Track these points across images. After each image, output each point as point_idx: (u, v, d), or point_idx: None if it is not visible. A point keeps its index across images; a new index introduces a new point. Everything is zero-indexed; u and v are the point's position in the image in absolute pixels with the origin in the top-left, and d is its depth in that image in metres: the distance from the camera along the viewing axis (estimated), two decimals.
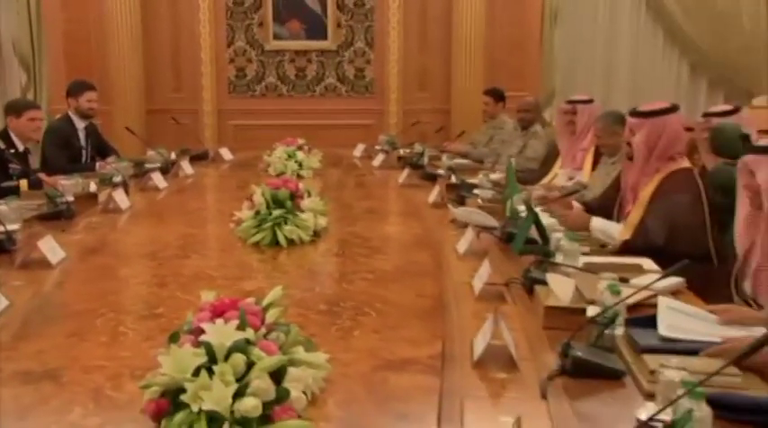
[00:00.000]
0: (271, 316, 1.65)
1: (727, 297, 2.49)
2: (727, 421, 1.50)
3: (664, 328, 1.92)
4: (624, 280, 2.21)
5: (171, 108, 7.36)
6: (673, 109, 3.24)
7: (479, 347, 1.86)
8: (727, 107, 4.33)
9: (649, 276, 2.32)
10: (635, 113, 3.28)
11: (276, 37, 7.52)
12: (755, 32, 7.15)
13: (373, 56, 7.58)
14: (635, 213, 3.19)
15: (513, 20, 7.44)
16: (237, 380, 1.42)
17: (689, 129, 3.81)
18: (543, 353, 1.90)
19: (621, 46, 7.52)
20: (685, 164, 3.23)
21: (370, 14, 7.53)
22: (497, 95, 6.26)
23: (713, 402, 1.40)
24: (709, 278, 2.70)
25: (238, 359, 1.44)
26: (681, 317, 2.00)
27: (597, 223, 3.29)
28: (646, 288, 2.08)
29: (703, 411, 1.35)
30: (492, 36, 7.37)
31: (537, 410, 1.59)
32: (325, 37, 7.51)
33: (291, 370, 1.52)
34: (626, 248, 3.01)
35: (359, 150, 6.21)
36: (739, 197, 2.58)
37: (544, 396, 1.65)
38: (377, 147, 6.07)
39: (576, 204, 3.65)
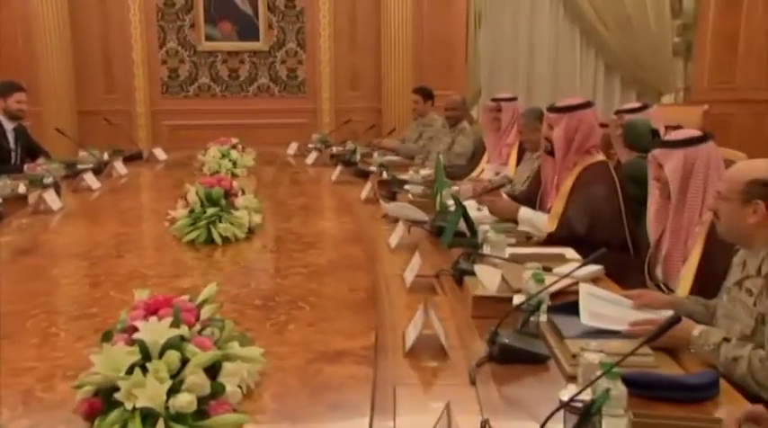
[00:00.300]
0: (205, 313, 1.62)
1: (641, 282, 2.56)
2: (642, 398, 1.56)
3: (586, 317, 1.96)
4: (547, 269, 2.27)
5: (103, 109, 7.13)
6: (587, 104, 3.32)
7: (411, 337, 1.87)
8: (637, 104, 4.47)
9: (571, 265, 2.37)
10: (552, 109, 3.33)
11: (208, 38, 7.38)
12: (661, 34, 7.39)
13: (305, 56, 7.51)
14: (557, 205, 3.24)
15: (440, 21, 7.48)
16: (172, 377, 1.40)
17: (603, 125, 3.92)
18: (472, 341, 1.92)
19: (542, 45, 7.63)
20: (601, 157, 3.30)
21: (300, 16, 7.46)
22: (426, 94, 6.29)
23: (629, 381, 1.47)
24: (626, 265, 2.77)
25: (172, 355, 1.42)
26: (600, 304, 2.05)
27: (525, 213, 3.32)
28: (567, 276, 2.13)
29: (619, 389, 1.41)
30: (419, 36, 7.39)
31: (466, 396, 1.61)
32: (257, 38, 7.40)
33: (226, 365, 1.49)
34: (550, 239, 3.07)
35: (292, 149, 6.14)
36: (650, 188, 2.67)
37: (473, 383, 1.67)
38: (310, 146, 6.00)
39: (504, 195, 3.72)
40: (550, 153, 3.32)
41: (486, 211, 3.46)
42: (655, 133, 3.64)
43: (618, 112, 4.38)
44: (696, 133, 2.54)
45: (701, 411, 1.55)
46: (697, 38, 7.33)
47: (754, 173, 1.95)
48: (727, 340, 1.83)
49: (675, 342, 1.83)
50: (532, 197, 3.53)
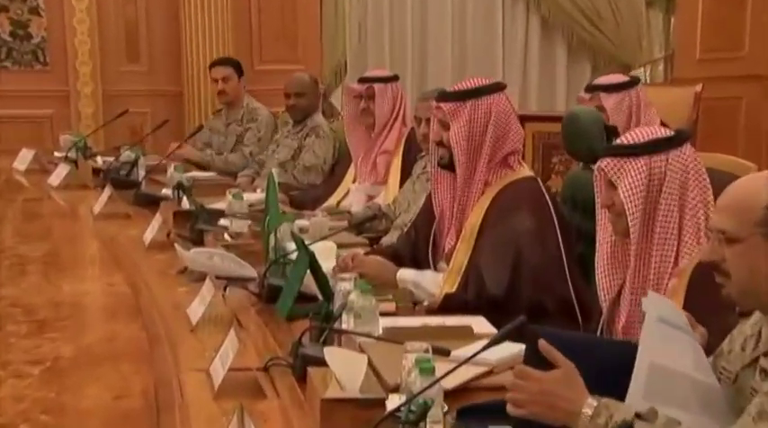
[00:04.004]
0: None
1: None
2: None
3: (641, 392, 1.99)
4: (442, 352, 2.29)
5: None
6: (498, 86, 3.38)
7: None
8: (622, 78, 4.62)
9: (482, 342, 2.40)
10: (445, 96, 3.36)
11: None
12: None
13: (43, 2, 7.30)
14: (460, 252, 3.29)
15: None
16: None
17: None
18: None
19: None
20: (525, 171, 3.37)
21: None
22: (237, 66, 6.30)
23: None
24: None
25: None
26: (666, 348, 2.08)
27: (406, 275, 3.36)
28: (468, 361, 2.14)
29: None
30: None
31: None
32: None
33: None
34: (450, 303, 3.13)
35: (24, 160, 6.01)
36: (599, 220, 2.75)
37: None
38: (57, 154, 5.96)
39: (359, 253, 3.69)
40: (447, 166, 3.36)
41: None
42: (611, 132, 3.76)
43: (590, 89, 4.54)
44: (662, 133, 2.62)
45: None
46: None
47: None
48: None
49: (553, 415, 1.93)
50: (421, 240, 3.55)
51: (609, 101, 4.44)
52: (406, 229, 3.89)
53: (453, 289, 3.20)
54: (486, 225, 3.26)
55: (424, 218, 3.60)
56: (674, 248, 2.56)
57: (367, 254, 3.60)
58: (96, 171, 5.58)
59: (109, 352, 2.71)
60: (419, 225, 3.63)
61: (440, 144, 3.35)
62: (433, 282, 3.30)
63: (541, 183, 3.37)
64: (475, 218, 3.29)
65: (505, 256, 3.16)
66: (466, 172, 3.31)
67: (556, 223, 3.22)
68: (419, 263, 3.48)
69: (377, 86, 4.95)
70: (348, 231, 4.03)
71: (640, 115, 4.46)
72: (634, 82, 4.63)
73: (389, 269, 3.40)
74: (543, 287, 3.13)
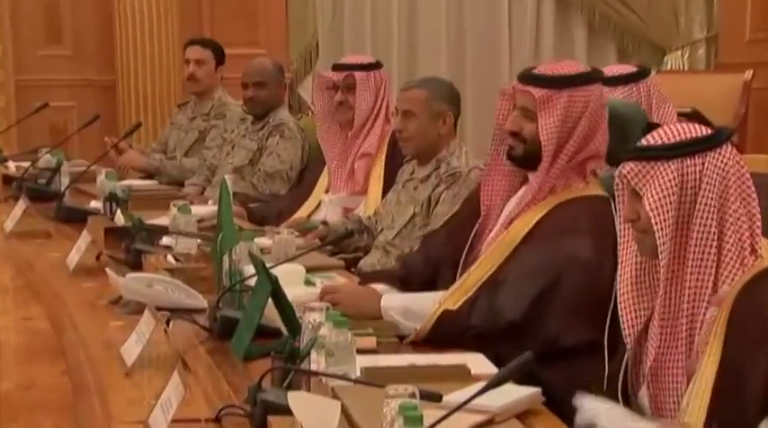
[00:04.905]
0: None
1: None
2: None
3: None
4: (431, 397, 2.31)
5: None
6: (597, 75, 3.43)
7: None
8: (630, 68, 4.65)
9: (478, 385, 2.43)
10: (536, 80, 3.38)
11: None
12: None
13: None
14: (485, 262, 3.33)
15: None
16: None
17: None
18: None
19: None
20: (597, 188, 3.39)
21: None
22: (217, 50, 6.31)
23: None
24: (585, 383, 2.88)
25: None
26: None
27: (392, 301, 3.38)
28: (463, 407, 2.19)
29: None
30: None
31: None
32: None
33: None
34: (446, 324, 3.17)
35: None
36: (621, 238, 2.77)
37: None
38: None
39: (340, 279, 3.73)
40: (518, 161, 3.40)
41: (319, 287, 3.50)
42: (652, 128, 3.76)
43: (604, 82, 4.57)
44: (697, 131, 2.65)
45: None
46: None
47: None
48: None
49: None
50: (452, 248, 3.55)
51: (614, 96, 4.40)
52: (424, 238, 3.94)
53: (455, 307, 3.21)
54: (532, 237, 3.30)
55: (464, 218, 3.64)
56: (713, 271, 2.57)
57: (363, 282, 3.61)
58: (8, 179, 5.64)
59: (24, 402, 2.70)
60: (455, 226, 3.68)
61: (514, 134, 3.39)
62: (425, 306, 3.30)
63: (614, 207, 3.28)
64: (523, 225, 3.33)
65: (539, 279, 3.19)
66: (547, 166, 3.34)
67: (617, 252, 3.10)
68: (439, 279, 3.51)
69: (357, 75, 4.97)
70: (319, 250, 4.04)
71: (652, 113, 4.48)
72: (645, 72, 4.65)
73: (369, 295, 3.43)
74: (570, 325, 3.17)
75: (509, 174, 3.47)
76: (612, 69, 4.69)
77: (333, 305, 3.30)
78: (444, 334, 3.12)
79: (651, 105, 4.52)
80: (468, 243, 3.50)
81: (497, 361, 2.81)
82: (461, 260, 3.49)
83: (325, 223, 4.72)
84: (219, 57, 6.31)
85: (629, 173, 2.62)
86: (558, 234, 3.26)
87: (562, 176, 3.36)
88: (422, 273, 3.58)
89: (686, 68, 7.64)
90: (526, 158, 3.37)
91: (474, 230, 3.51)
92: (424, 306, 3.29)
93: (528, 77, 3.40)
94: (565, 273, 3.19)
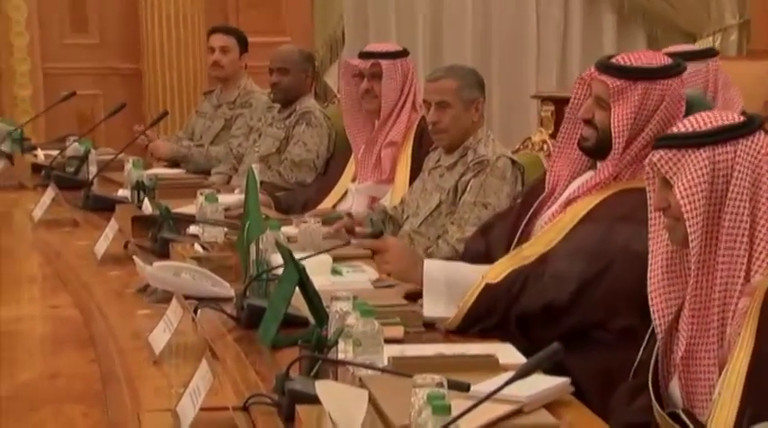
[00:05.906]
0: None
1: (642, 409, 2.65)
2: None
3: None
4: (459, 387, 2.30)
5: None
6: (678, 68, 3.37)
7: None
8: (691, 46, 4.57)
9: (507, 375, 2.42)
10: (611, 69, 3.36)
11: None
12: None
13: None
14: (540, 240, 3.35)
15: None
16: None
17: None
18: None
19: None
20: None
21: None
22: (241, 39, 6.30)
23: None
24: (615, 375, 2.86)
25: None
26: None
27: (439, 270, 3.38)
28: (491, 397, 2.18)
29: None
30: None
31: None
32: None
33: None
34: (486, 298, 3.17)
35: None
36: (652, 227, 2.75)
37: None
38: None
39: (393, 240, 3.74)
40: (590, 151, 3.42)
41: (356, 276, 3.50)
42: None
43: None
44: (729, 118, 2.64)
45: None
46: None
47: None
48: None
49: None
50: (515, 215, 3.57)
51: None
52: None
53: (497, 280, 3.21)
54: (588, 220, 3.31)
55: (511, 220, 3.68)
56: (745, 260, 2.56)
57: None
58: (36, 167, 5.62)
59: (51, 391, 2.70)
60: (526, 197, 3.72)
61: (588, 122, 3.39)
62: (471, 275, 3.30)
63: None
64: (581, 207, 3.35)
65: (590, 263, 3.21)
66: (618, 154, 3.34)
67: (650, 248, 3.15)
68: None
69: (383, 63, 4.95)
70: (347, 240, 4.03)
71: (717, 98, 4.43)
72: (711, 51, 4.60)
73: (415, 259, 3.46)
74: (612, 314, 3.19)
75: (577, 159, 3.48)
76: (677, 48, 4.63)
77: (382, 263, 3.34)
78: (485, 308, 3.11)
79: (717, 89, 4.48)
80: (525, 220, 3.55)
81: (531, 344, 2.78)
82: (516, 237, 3.54)
83: (349, 214, 4.68)
84: (243, 44, 6.31)
85: (659, 161, 2.61)
86: (613, 220, 3.26)
87: (630, 166, 3.35)
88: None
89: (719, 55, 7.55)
90: (596, 150, 3.39)
91: (532, 208, 3.54)
92: (470, 277, 3.32)
93: (604, 66, 3.39)
94: (616, 262, 3.19)
